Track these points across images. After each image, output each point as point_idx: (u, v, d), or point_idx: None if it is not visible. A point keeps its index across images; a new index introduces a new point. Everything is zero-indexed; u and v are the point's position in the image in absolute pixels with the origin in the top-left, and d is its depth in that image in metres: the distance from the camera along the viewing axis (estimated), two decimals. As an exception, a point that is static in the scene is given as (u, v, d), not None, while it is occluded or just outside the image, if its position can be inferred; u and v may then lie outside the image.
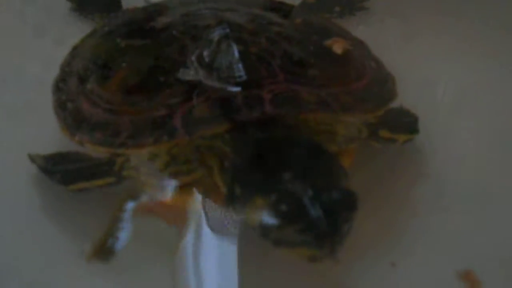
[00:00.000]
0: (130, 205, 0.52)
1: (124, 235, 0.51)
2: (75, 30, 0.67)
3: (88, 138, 0.50)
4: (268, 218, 0.42)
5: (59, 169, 0.54)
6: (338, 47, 0.54)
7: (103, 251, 0.51)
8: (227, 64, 0.49)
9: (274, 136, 0.47)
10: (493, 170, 0.59)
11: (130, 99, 0.50)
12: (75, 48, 0.61)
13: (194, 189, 0.50)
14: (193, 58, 0.50)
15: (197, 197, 0.50)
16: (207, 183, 0.50)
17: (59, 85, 0.56)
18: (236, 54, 0.49)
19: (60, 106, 0.54)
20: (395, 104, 0.56)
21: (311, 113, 0.49)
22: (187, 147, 0.49)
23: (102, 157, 0.52)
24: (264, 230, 0.42)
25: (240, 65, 0.49)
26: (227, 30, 0.51)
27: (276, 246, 0.43)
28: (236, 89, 0.48)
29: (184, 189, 0.51)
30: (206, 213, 0.50)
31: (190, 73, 0.50)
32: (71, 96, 0.54)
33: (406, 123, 0.59)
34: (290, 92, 0.48)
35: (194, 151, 0.49)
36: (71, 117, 0.52)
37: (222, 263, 0.50)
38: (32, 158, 0.55)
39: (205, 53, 0.50)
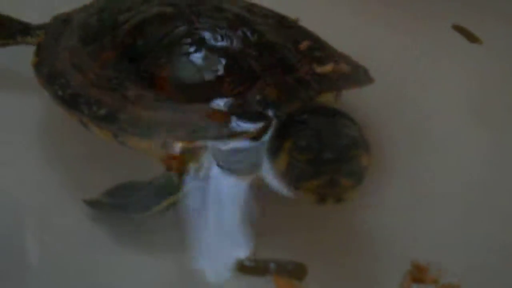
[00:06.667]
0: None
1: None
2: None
3: (175, 136, 0.52)
4: (292, 155, 0.49)
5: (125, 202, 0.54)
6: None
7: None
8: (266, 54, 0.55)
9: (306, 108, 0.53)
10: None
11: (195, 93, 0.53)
12: None
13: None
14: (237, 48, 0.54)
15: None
16: None
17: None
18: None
19: (112, 118, 0.54)
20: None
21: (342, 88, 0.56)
22: None
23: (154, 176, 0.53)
24: (289, 170, 0.49)
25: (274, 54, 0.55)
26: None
27: (296, 184, 0.49)
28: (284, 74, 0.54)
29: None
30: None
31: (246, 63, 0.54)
32: (118, 106, 0.54)
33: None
34: (316, 74, 0.55)
35: None
36: (132, 123, 0.53)
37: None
38: (91, 202, 0.54)
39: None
